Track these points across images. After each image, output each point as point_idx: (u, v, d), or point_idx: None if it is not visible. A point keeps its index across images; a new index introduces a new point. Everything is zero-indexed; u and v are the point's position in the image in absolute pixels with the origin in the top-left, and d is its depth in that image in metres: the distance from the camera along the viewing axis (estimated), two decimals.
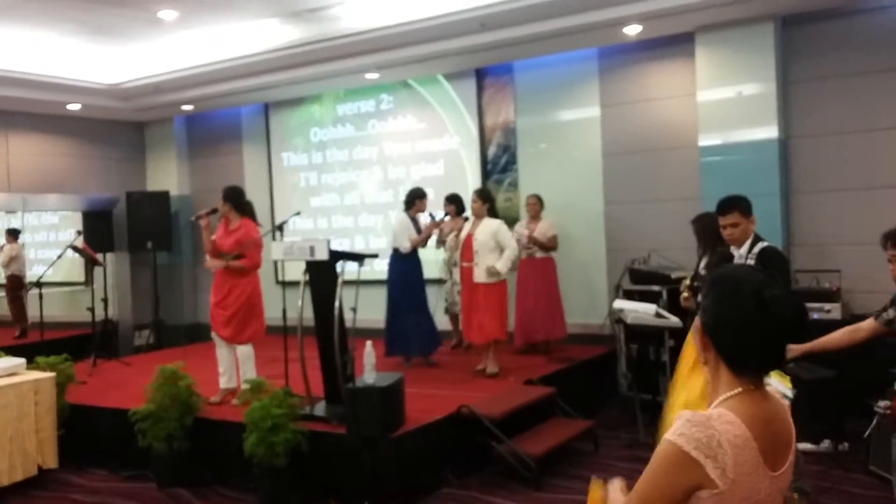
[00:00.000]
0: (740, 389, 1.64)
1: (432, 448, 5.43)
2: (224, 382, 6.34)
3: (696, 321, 1.74)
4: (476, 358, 7.23)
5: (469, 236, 6.87)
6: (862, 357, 3.83)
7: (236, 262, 6.20)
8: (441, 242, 7.72)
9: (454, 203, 7.61)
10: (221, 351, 6.37)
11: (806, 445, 5.39)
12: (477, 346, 7.15)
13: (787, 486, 1.71)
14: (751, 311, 1.61)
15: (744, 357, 1.65)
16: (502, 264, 6.68)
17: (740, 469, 1.56)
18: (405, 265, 7.46)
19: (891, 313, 3.70)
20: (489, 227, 6.81)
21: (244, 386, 5.99)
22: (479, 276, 6.74)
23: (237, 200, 6.39)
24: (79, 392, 6.65)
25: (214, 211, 6.38)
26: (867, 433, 3.84)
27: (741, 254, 4.56)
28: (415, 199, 7.52)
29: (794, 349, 3.74)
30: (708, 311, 1.69)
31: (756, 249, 4.48)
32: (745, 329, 1.62)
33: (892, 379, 4.70)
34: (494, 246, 6.74)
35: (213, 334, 6.40)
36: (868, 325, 3.80)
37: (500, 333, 6.84)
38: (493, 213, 7.01)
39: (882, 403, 3.74)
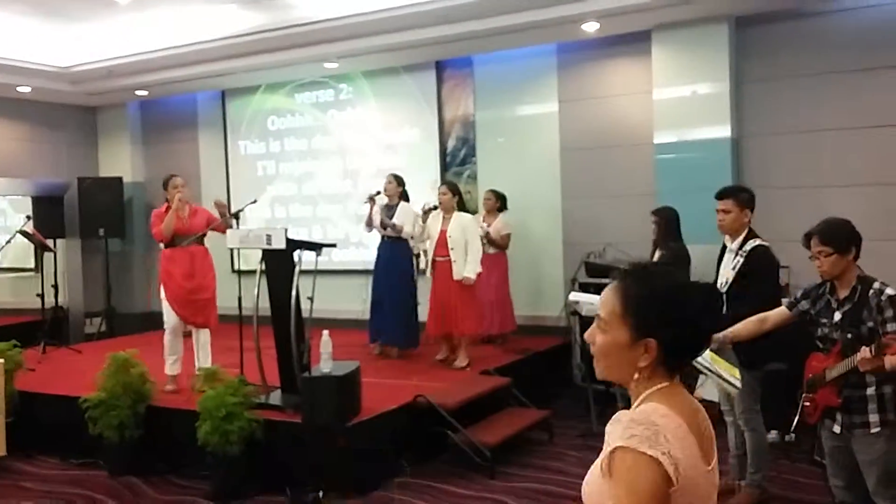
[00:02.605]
0: (665, 384, 1.60)
1: (388, 437, 5.45)
2: (177, 369, 6.30)
3: (618, 340, 1.62)
4: (433, 347, 7.27)
5: (443, 232, 6.91)
6: (812, 350, 3.96)
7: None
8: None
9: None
10: (174, 338, 6.32)
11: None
12: (439, 337, 7.20)
13: (717, 485, 1.63)
14: (700, 308, 1.60)
15: (688, 351, 1.64)
16: (470, 269, 6.79)
17: (688, 462, 1.50)
18: (394, 252, 7.32)
19: (804, 305, 3.83)
20: (461, 223, 6.88)
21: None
22: (458, 273, 6.81)
23: None
24: (28, 379, 6.54)
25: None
26: (793, 426, 3.99)
27: (732, 248, 4.60)
28: None
29: (715, 338, 3.85)
30: (665, 327, 1.58)
31: (747, 246, 4.52)
32: (695, 325, 1.60)
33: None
34: (466, 241, 6.81)
35: (173, 320, 6.31)
36: (777, 314, 3.94)
37: (476, 328, 7.02)
38: (461, 206, 7.08)
39: (805, 395, 3.87)
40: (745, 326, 3.96)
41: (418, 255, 7.48)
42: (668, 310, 1.59)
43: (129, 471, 5.52)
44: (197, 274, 6.31)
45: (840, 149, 6.93)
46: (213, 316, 6.42)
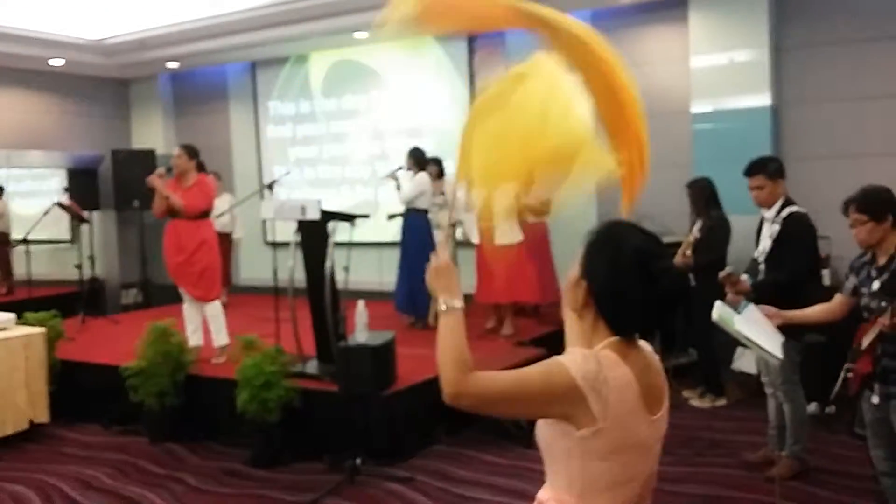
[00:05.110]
0: (615, 338, 1.71)
1: (423, 406, 5.45)
2: (196, 340, 6.23)
3: (573, 275, 1.76)
4: (477, 319, 7.23)
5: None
6: (852, 322, 3.89)
7: (179, 200, 6.09)
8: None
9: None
10: (189, 308, 6.26)
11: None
12: (487, 306, 7.26)
13: (663, 434, 1.76)
14: (639, 283, 1.66)
15: (625, 322, 1.71)
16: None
17: (622, 408, 1.62)
18: (412, 223, 7.41)
19: (852, 280, 3.76)
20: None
21: (219, 344, 6.12)
22: (499, 237, 6.78)
23: (198, 157, 6.38)
24: (68, 348, 6.64)
25: (170, 170, 6.29)
26: (832, 395, 3.94)
27: (768, 217, 4.61)
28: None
29: (773, 315, 3.81)
30: (593, 273, 1.72)
31: (783, 213, 4.53)
32: (632, 299, 1.67)
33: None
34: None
35: (182, 292, 6.28)
36: (839, 301, 3.87)
37: (518, 296, 7.06)
38: None
39: (848, 366, 3.82)
40: (813, 313, 3.92)
41: (454, 225, 7.45)
42: (598, 267, 1.72)
43: (169, 437, 5.62)
44: (185, 248, 6.11)
45: (883, 116, 6.76)
46: (213, 289, 6.24)
